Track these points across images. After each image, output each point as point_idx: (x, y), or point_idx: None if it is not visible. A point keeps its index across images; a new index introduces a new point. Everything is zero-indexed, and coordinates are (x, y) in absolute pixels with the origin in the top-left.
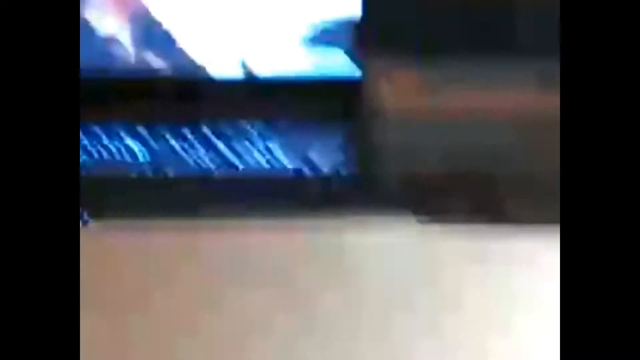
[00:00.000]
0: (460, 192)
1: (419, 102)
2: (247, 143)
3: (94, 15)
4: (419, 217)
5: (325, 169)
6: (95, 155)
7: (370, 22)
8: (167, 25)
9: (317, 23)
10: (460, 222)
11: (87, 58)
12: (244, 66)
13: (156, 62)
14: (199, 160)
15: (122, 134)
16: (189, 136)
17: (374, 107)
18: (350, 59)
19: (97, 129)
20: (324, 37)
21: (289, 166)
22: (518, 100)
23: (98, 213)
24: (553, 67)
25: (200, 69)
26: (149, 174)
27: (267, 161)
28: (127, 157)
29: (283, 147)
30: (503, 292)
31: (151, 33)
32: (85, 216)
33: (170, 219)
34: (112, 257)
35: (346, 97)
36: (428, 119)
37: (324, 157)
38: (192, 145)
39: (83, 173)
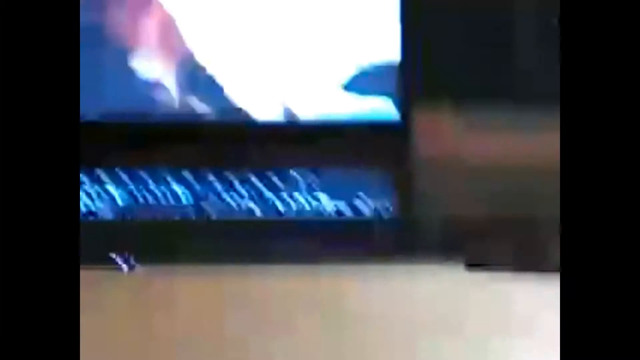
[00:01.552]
0: (502, 236)
1: (461, 146)
2: (289, 186)
3: (141, 61)
4: (460, 261)
5: (368, 213)
6: (141, 199)
7: (411, 66)
8: (211, 70)
9: (358, 67)
10: (503, 266)
11: (132, 103)
12: (287, 110)
13: (200, 106)
14: (242, 204)
15: (168, 178)
16: (233, 180)
17: (415, 151)
18: (393, 103)
19: (142, 174)
20: (366, 81)
21: (331, 210)
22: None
23: (143, 258)
24: None
25: (244, 113)
26: (193, 217)
27: (310, 205)
28: (172, 201)
29: (325, 190)
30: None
31: (196, 78)
32: (132, 261)
33: (214, 263)
34: (162, 301)
35: (388, 141)
36: (470, 163)
37: (366, 201)
38: (235, 189)
39: (128, 217)
